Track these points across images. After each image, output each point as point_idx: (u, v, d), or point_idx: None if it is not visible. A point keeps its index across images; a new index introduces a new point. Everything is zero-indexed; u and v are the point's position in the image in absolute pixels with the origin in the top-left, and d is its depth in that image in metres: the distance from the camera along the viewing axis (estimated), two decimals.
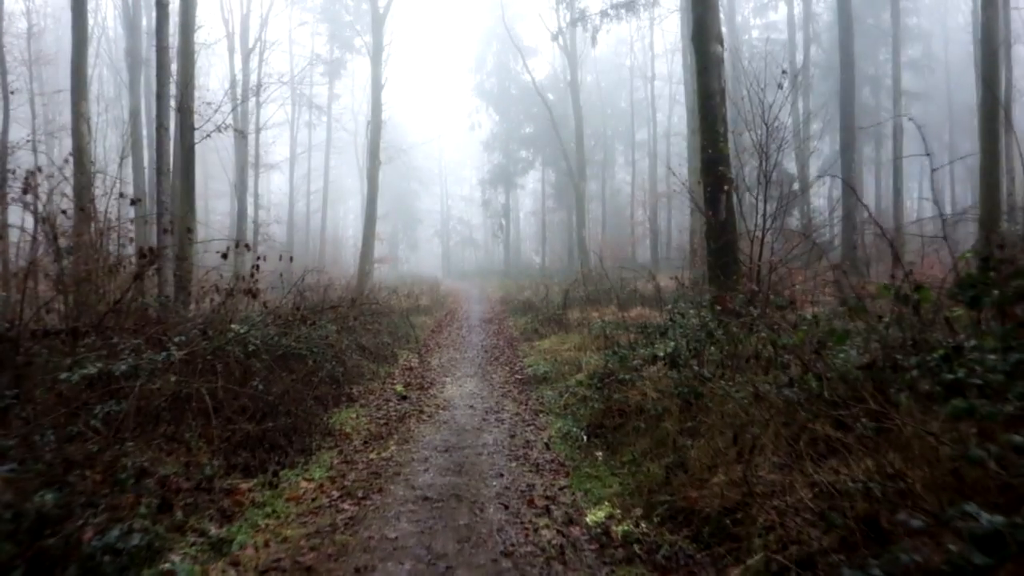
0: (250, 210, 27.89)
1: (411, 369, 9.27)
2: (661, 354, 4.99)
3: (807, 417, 3.74)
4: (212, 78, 37.99)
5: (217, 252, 6.80)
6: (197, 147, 13.48)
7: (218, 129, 15.52)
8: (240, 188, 26.56)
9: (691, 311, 5.73)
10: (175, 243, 11.06)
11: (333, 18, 34.94)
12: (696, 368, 4.53)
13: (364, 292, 21.56)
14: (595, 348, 9.32)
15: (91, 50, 31.80)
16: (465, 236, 65.13)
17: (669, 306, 5.52)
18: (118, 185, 7.57)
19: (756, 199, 11.59)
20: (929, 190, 45.75)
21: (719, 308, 5.59)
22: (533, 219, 59.46)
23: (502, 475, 4.45)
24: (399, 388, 7.59)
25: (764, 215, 11.58)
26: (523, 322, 15.27)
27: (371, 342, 10.69)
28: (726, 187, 11.29)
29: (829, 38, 29.90)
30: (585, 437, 5.16)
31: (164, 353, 4.72)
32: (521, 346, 11.67)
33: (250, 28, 29.44)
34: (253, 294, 6.39)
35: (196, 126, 13.60)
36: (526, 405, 6.80)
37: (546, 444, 5.22)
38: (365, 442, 5.31)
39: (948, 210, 31.51)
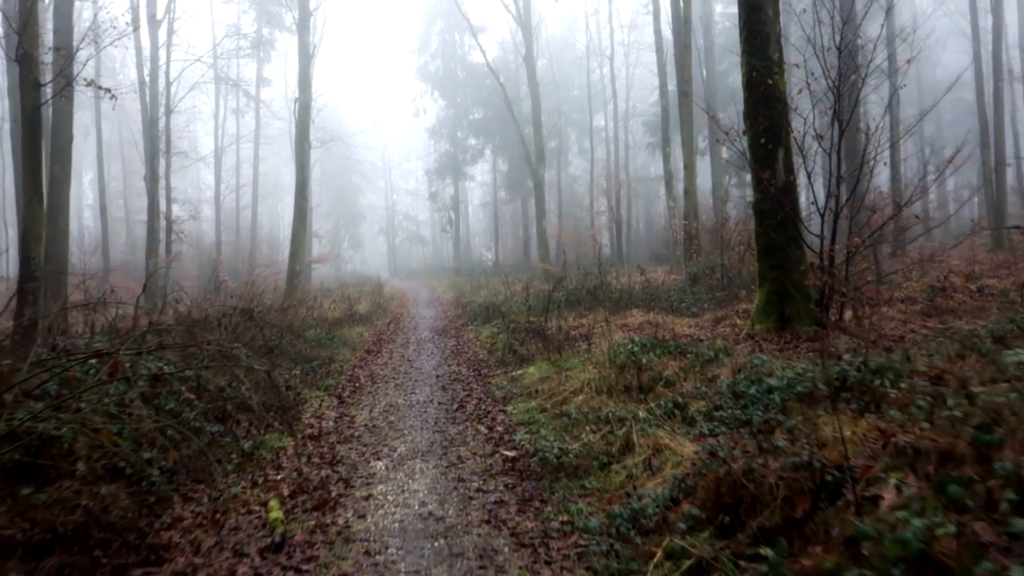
0: (163, 205, 23.16)
1: (317, 439, 5.40)
2: None
3: None
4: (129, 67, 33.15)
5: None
6: (110, 137, 9.83)
7: (68, 83, 12.30)
8: (151, 180, 21.83)
9: None
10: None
11: None
12: None
13: (292, 297, 17.55)
14: (621, 387, 5.67)
15: None
16: (412, 233, 60.90)
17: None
18: None
19: (830, 155, 8.12)
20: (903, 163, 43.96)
21: None
22: (483, 212, 55.57)
23: None
24: (274, 511, 3.72)
25: (839, 178, 8.14)
26: (488, 335, 11.53)
27: (262, 383, 6.78)
28: (791, 134, 7.76)
29: None
30: None
31: None
32: (495, 378, 7.90)
33: None
34: None
35: (44, 82, 10.36)
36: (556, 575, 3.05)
37: None
38: None
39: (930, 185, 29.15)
